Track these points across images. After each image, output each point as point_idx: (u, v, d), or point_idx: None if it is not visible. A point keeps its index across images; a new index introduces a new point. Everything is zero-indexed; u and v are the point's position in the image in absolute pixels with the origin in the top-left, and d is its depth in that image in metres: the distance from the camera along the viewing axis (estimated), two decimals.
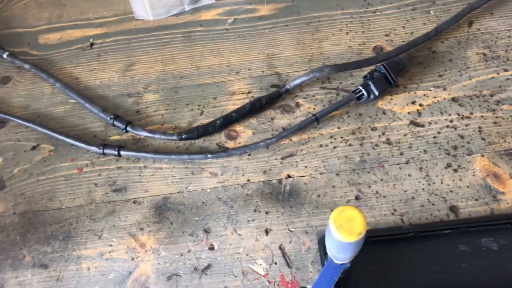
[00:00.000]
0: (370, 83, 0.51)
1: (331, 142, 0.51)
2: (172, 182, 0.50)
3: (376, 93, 0.50)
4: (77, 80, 0.58)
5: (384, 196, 0.47)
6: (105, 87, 0.57)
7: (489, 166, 0.48)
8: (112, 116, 0.52)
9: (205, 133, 0.52)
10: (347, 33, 0.59)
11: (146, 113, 0.55)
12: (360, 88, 0.51)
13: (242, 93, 0.56)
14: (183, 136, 0.51)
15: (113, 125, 0.52)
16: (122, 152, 0.50)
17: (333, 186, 0.48)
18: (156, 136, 0.51)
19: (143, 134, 0.52)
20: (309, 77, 0.53)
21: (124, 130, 0.52)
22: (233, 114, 0.52)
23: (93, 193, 0.50)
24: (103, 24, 0.63)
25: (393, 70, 0.51)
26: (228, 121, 0.52)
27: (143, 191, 0.49)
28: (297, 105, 0.54)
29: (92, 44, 0.61)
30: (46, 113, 0.56)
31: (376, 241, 0.43)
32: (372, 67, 0.54)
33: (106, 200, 0.49)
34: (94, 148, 0.51)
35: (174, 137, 0.51)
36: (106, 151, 0.50)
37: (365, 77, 0.53)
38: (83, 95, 0.55)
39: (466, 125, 0.51)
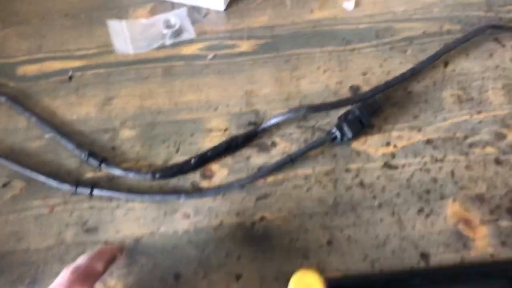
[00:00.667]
0: (344, 125, 0.51)
1: (305, 184, 0.51)
2: (144, 223, 0.49)
3: (350, 135, 0.51)
4: (54, 114, 0.58)
5: (356, 241, 0.47)
6: (82, 122, 0.57)
7: (461, 211, 0.48)
8: (86, 153, 0.52)
9: (179, 172, 0.51)
10: (324, 71, 0.59)
11: (122, 150, 0.55)
12: (334, 130, 0.51)
13: (220, 130, 0.56)
14: (156, 176, 0.51)
15: (87, 161, 0.52)
16: (94, 191, 0.50)
17: (306, 230, 0.48)
18: (130, 175, 0.51)
19: (117, 172, 0.52)
20: (285, 117, 0.54)
21: (98, 168, 0.52)
22: (208, 154, 0.52)
23: (64, 234, 0.49)
24: (84, 57, 0.63)
25: (367, 112, 0.52)
26: (203, 160, 0.52)
27: (115, 232, 0.49)
28: (273, 144, 0.54)
29: (71, 77, 0.61)
30: (19, 148, 0.55)
31: None
32: (348, 107, 0.54)
33: (77, 241, 0.49)
34: (66, 187, 0.51)
35: (148, 177, 0.51)
36: (78, 189, 0.50)
37: (339, 118, 0.53)
38: (59, 130, 0.55)
39: (439, 168, 0.51)
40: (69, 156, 0.54)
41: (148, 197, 0.50)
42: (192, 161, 0.51)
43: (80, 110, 0.58)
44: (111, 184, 0.52)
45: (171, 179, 0.52)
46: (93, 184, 0.51)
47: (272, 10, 0.66)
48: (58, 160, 0.54)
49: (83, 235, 0.49)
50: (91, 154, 0.52)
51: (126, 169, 0.52)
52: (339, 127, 0.51)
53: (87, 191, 0.50)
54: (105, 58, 0.63)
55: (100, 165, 0.51)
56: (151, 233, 0.49)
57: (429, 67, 0.59)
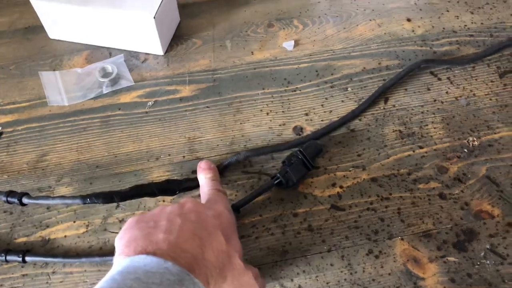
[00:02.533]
0: (288, 170, 0.50)
1: (253, 232, 0.50)
2: None
3: (294, 180, 0.50)
4: None
5: None
6: (13, 181, 0.54)
7: (409, 250, 0.48)
8: (5, 193, 0.48)
9: (114, 199, 0.48)
10: (267, 114, 0.59)
11: (57, 209, 0.51)
12: (278, 175, 0.50)
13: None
14: (88, 200, 0.47)
15: (7, 201, 0.48)
16: (27, 258, 0.46)
17: None
18: (56, 201, 0.47)
19: (42, 202, 0.48)
20: (227, 163, 0.52)
21: (20, 204, 0.48)
22: (148, 184, 0.50)
23: None
24: (14, 111, 0.60)
25: (310, 154, 0.51)
26: (140, 191, 0.49)
27: None
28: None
29: (1, 133, 0.58)
30: None
31: None
32: (290, 150, 0.53)
33: None
34: None
35: (77, 201, 0.47)
36: (8, 257, 0.46)
37: (283, 162, 0.53)
38: None
39: (385, 207, 0.51)
40: None
41: (86, 260, 0.47)
42: (130, 189, 0.48)
43: (12, 169, 0.55)
44: (46, 248, 0.49)
45: (111, 238, 0.49)
46: (25, 250, 0.47)
47: (212, 53, 0.66)
48: None
49: None
50: (10, 192, 0.48)
51: (52, 198, 0.48)
52: (283, 172, 0.50)
53: (18, 258, 0.46)
54: (38, 111, 0.60)
55: (20, 200, 0.47)
56: None
57: (370, 104, 0.59)
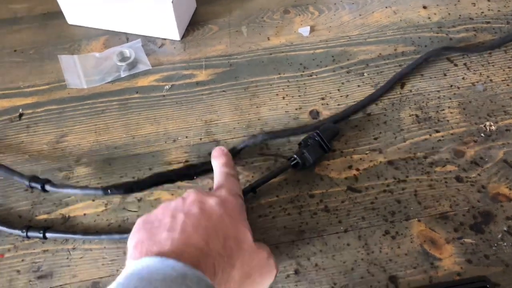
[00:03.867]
0: (305, 151, 0.50)
1: (270, 212, 0.50)
2: (103, 264, 0.47)
3: (311, 161, 0.50)
4: (3, 154, 0.55)
5: (323, 269, 0.46)
6: (33, 161, 0.54)
7: (426, 231, 0.48)
8: (28, 178, 0.49)
9: (134, 189, 0.49)
10: (283, 98, 0.59)
11: None
12: (295, 156, 0.51)
13: (179, 163, 0.54)
14: (109, 191, 0.48)
15: (31, 187, 0.49)
16: (48, 234, 0.47)
17: None
18: (77, 191, 0.48)
19: (64, 191, 0.49)
20: (243, 146, 0.52)
21: (43, 190, 0.49)
22: (167, 173, 0.50)
23: (15, 282, 0.46)
24: (34, 93, 0.61)
25: (327, 137, 0.52)
26: (161, 179, 0.50)
27: (71, 276, 0.46)
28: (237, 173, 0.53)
29: (21, 115, 0.59)
30: None
31: None
32: (306, 134, 0.54)
33: None
34: (16, 231, 0.48)
35: (99, 192, 0.48)
36: (30, 233, 0.47)
37: (299, 144, 0.53)
38: (8, 171, 0.52)
39: (402, 189, 0.51)
40: (20, 198, 0.52)
41: (106, 237, 0.47)
42: (148, 179, 0.49)
43: (32, 149, 0.56)
44: (66, 225, 0.50)
45: (130, 216, 0.50)
46: (46, 227, 0.48)
47: (228, 39, 0.66)
48: (7, 204, 0.51)
49: (36, 282, 0.46)
50: (33, 178, 0.49)
51: (74, 187, 0.49)
52: (300, 153, 0.51)
53: (39, 235, 0.47)
54: (57, 94, 0.61)
55: (43, 187, 0.48)
56: (111, 275, 0.46)
57: (386, 89, 0.59)
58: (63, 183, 0.52)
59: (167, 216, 0.36)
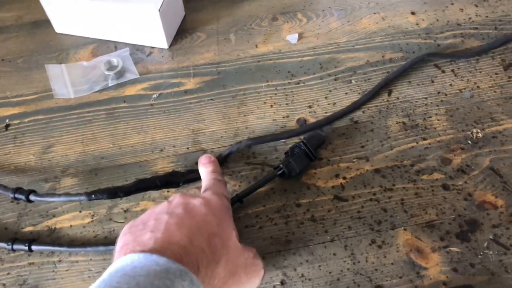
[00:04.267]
0: (291, 160, 0.50)
1: (256, 222, 0.50)
2: (89, 277, 0.47)
3: (297, 170, 0.50)
4: None
5: (309, 279, 0.46)
6: (20, 172, 0.54)
7: (412, 240, 0.48)
8: (12, 190, 0.49)
9: (118, 194, 0.49)
10: (271, 106, 0.59)
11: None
12: (281, 165, 0.51)
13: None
14: (92, 196, 0.48)
15: (15, 198, 0.49)
16: (33, 247, 0.47)
17: None
18: (62, 198, 0.48)
19: (48, 199, 0.49)
20: (228, 152, 0.53)
21: (27, 201, 0.48)
22: (152, 178, 0.50)
23: None
24: (22, 103, 0.61)
25: (313, 146, 0.52)
26: (144, 185, 0.50)
27: None
28: None
29: (8, 126, 0.59)
30: None
31: None
32: (293, 139, 0.54)
33: None
34: (2, 244, 0.47)
35: (83, 197, 0.48)
36: (15, 246, 0.47)
37: (286, 153, 0.53)
38: None
39: (389, 198, 0.51)
40: (6, 210, 0.51)
41: (91, 249, 0.47)
42: (132, 183, 0.49)
43: (18, 160, 0.56)
44: (52, 237, 0.49)
45: (114, 224, 0.50)
46: (32, 239, 0.48)
47: (216, 46, 0.66)
48: None
49: None
50: (18, 189, 0.49)
51: (57, 195, 0.49)
52: (286, 163, 0.51)
53: (24, 247, 0.47)
54: (44, 104, 0.61)
55: (27, 197, 0.48)
56: None
57: (374, 96, 0.59)
58: (46, 192, 0.51)
59: (151, 219, 0.37)
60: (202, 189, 0.45)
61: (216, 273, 0.36)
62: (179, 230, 0.35)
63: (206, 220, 0.37)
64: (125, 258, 0.32)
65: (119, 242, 0.36)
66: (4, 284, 0.46)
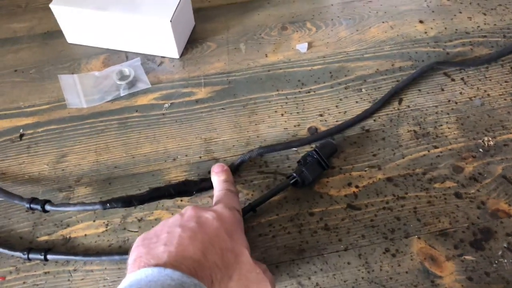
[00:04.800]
0: (304, 169, 0.51)
1: (270, 231, 0.50)
2: (104, 286, 0.47)
3: (310, 179, 0.50)
4: (4, 175, 0.55)
5: None
6: (34, 182, 0.55)
7: (426, 248, 0.48)
8: (28, 200, 0.49)
9: (133, 202, 0.49)
10: (282, 115, 0.60)
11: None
12: (294, 174, 0.51)
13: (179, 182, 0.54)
14: (107, 205, 0.48)
15: (31, 208, 0.49)
16: (49, 256, 0.47)
17: None
18: (77, 208, 0.48)
19: (63, 209, 0.50)
20: (240, 161, 0.53)
21: (43, 211, 0.49)
22: (165, 187, 0.50)
23: None
24: (35, 113, 0.61)
25: (325, 154, 0.52)
26: (159, 193, 0.50)
27: None
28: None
29: (21, 135, 0.59)
30: None
31: None
32: (305, 147, 0.54)
33: None
34: (18, 254, 0.48)
35: (97, 206, 0.48)
36: (31, 256, 0.47)
37: (298, 162, 0.53)
38: (8, 192, 0.52)
39: (401, 206, 0.51)
40: (21, 220, 0.52)
41: (106, 258, 0.47)
42: (148, 192, 0.49)
43: (32, 170, 0.56)
44: (67, 246, 0.50)
45: (128, 233, 0.50)
46: (47, 249, 0.48)
47: (227, 56, 0.66)
48: (9, 225, 0.52)
49: None
50: (33, 199, 0.49)
51: (73, 204, 0.49)
52: (299, 171, 0.51)
53: (40, 257, 0.47)
54: (57, 114, 0.61)
55: (43, 207, 0.48)
56: None
57: (384, 105, 0.60)
58: (62, 202, 0.52)
59: (164, 232, 0.37)
60: (214, 199, 0.46)
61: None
62: (192, 244, 0.36)
63: (218, 234, 0.38)
64: (139, 272, 0.32)
65: (132, 254, 0.36)
66: None
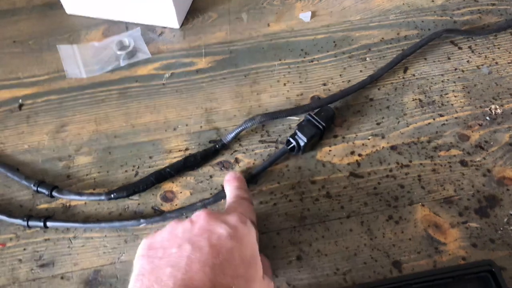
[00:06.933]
0: (297, 131, 0.50)
1: (271, 199, 0.49)
2: (104, 252, 0.47)
3: (305, 139, 0.49)
4: (3, 145, 0.55)
5: (326, 255, 0.45)
6: (34, 151, 0.54)
7: (430, 216, 0.47)
8: (35, 182, 0.49)
9: (136, 190, 0.49)
10: (284, 84, 0.58)
11: (78, 177, 0.52)
12: (289, 138, 0.50)
13: (180, 151, 0.54)
14: (112, 196, 0.48)
15: (38, 191, 0.49)
16: (48, 223, 0.47)
17: (274, 247, 0.46)
18: (84, 198, 0.48)
19: (70, 197, 0.49)
20: (241, 128, 0.52)
21: (50, 196, 0.49)
22: (167, 169, 0.50)
23: (17, 271, 0.46)
24: (34, 84, 0.61)
25: (321, 117, 0.51)
26: (161, 177, 0.50)
27: (72, 265, 0.46)
28: (237, 160, 0.52)
29: (21, 105, 0.58)
30: None
31: None
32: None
33: (31, 277, 0.46)
34: (17, 221, 0.47)
35: (103, 197, 0.48)
36: (30, 223, 0.47)
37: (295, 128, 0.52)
38: (5, 162, 0.52)
39: (405, 174, 0.50)
40: (21, 188, 0.51)
41: (106, 225, 0.47)
42: (150, 178, 0.49)
43: (32, 139, 0.55)
44: (67, 214, 0.49)
45: (131, 204, 0.49)
46: (47, 216, 0.48)
47: (228, 26, 0.65)
48: (9, 193, 0.51)
49: (38, 270, 0.46)
50: (41, 183, 0.49)
51: (79, 194, 0.49)
52: (293, 134, 0.50)
53: (40, 224, 0.47)
54: (57, 84, 0.60)
55: (51, 193, 0.48)
56: (112, 263, 0.46)
57: (389, 73, 0.58)
58: (70, 190, 0.51)
59: (173, 245, 0.34)
60: (226, 206, 0.43)
61: None
62: (201, 270, 0.32)
63: (231, 258, 0.34)
64: None
65: (136, 265, 0.34)
66: (20, 260, 0.46)
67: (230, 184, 0.45)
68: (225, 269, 0.33)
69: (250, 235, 0.37)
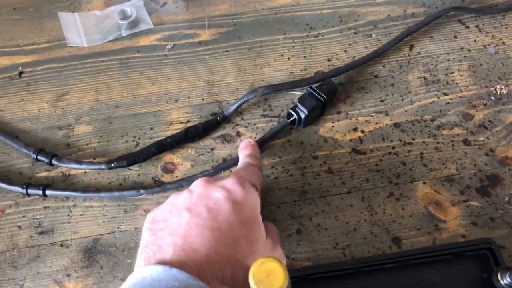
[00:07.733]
0: (298, 103, 0.49)
1: (272, 173, 0.49)
2: (103, 221, 0.47)
3: (305, 111, 0.49)
4: (3, 112, 0.54)
5: (325, 229, 0.45)
6: (33, 119, 0.54)
7: (431, 193, 0.47)
8: (35, 150, 0.48)
9: (137, 160, 0.48)
10: (288, 59, 0.58)
11: (77, 147, 0.52)
12: (290, 111, 0.49)
13: (181, 123, 0.53)
14: (112, 165, 0.48)
15: (37, 159, 0.48)
16: (47, 192, 0.47)
17: (274, 220, 0.46)
18: (83, 166, 0.48)
19: (70, 166, 0.48)
20: (243, 100, 0.52)
21: (49, 164, 0.48)
22: (168, 140, 0.50)
23: (16, 237, 0.46)
24: (34, 51, 0.60)
25: (322, 90, 0.50)
26: (162, 147, 0.50)
27: (72, 233, 0.46)
28: (238, 134, 0.52)
29: (21, 73, 0.58)
30: None
31: (316, 278, 0.41)
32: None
33: (31, 244, 0.45)
34: (17, 188, 0.47)
35: (103, 166, 0.48)
36: (30, 191, 0.47)
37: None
38: (4, 129, 0.52)
39: (408, 152, 0.50)
40: (21, 156, 0.51)
41: (105, 194, 0.47)
42: (151, 148, 0.49)
43: (32, 107, 0.55)
44: (67, 183, 0.49)
45: (131, 174, 0.49)
46: (46, 184, 0.48)
47: None
48: (8, 161, 0.51)
49: (37, 237, 0.46)
50: (41, 151, 0.48)
51: (78, 162, 0.48)
52: (294, 107, 0.49)
53: (39, 192, 0.46)
54: (57, 52, 0.59)
55: (50, 161, 0.48)
56: (111, 232, 0.46)
57: (394, 51, 0.58)
58: (69, 158, 0.51)
59: (173, 215, 0.34)
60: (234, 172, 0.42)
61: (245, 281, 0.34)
62: (200, 234, 0.33)
63: (230, 220, 0.34)
64: (144, 269, 0.30)
65: (142, 239, 0.34)
66: (19, 226, 0.46)
67: (242, 152, 0.46)
68: (225, 232, 0.33)
69: (249, 196, 0.36)
